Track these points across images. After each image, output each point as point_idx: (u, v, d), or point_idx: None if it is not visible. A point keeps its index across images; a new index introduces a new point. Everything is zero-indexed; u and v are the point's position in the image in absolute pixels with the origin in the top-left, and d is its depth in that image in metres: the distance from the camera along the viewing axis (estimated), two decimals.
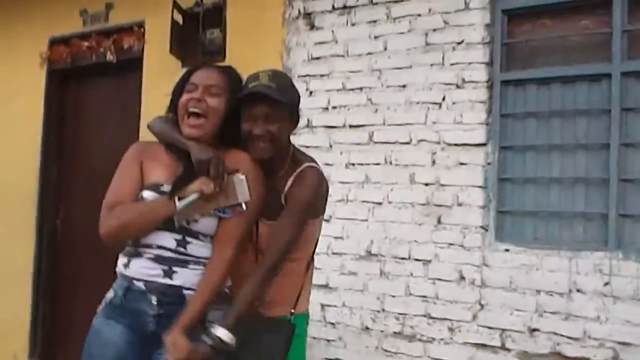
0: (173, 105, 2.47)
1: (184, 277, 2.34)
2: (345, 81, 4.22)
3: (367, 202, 4.05)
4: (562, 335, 3.43)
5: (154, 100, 5.06)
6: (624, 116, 3.51)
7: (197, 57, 4.75)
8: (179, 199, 2.27)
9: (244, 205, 2.30)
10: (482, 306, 3.65)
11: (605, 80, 3.57)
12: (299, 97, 2.56)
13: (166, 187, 2.34)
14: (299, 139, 4.33)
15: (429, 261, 3.81)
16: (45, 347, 5.66)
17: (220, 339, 2.19)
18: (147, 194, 2.36)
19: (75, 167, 5.73)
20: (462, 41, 3.86)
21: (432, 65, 3.94)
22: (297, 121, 2.52)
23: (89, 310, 5.22)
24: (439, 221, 3.81)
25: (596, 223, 3.54)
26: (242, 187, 2.30)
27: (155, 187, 2.37)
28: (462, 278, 3.72)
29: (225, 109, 2.39)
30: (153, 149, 2.48)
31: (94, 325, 2.42)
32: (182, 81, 2.47)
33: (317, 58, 4.36)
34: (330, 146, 4.23)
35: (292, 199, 2.38)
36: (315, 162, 2.53)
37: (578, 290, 3.42)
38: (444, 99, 3.89)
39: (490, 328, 3.62)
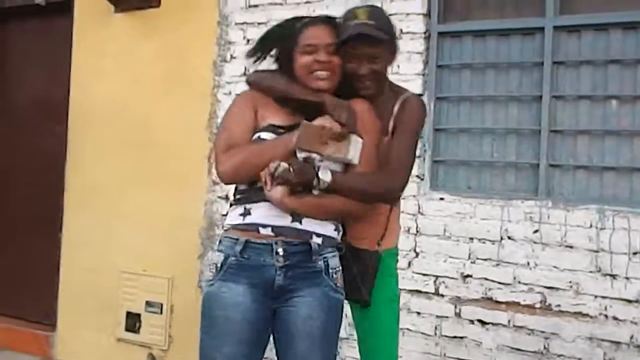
0: (284, 60, 2.40)
1: (312, 222, 2.29)
2: None
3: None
4: (493, 281, 3.56)
5: (85, 46, 4.93)
6: (555, 69, 3.61)
7: (131, 1, 4.62)
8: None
9: (353, 162, 2.31)
10: (417, 254, 3.75)
11: (539, 34, 3.65)
12: (394, 27, 2.51)
13: (284, 130, 2.32)
14: (235, 87, 4.30)
15: None
16: None
17: (318, 174, 2.22)
18: (265, 135, 2.31)
19: (2, 112, 5.52)
20: None
21: None
22: (395, 52, 2.50)
23: (19, 254, 5.21)
24: None
25: (527, 173, 3.65)
26: (357, 148, 2.29)
27: (272, 128, 2.32)
28: None
29: (341, 66, 2.37)
30: (265, 99, 2.40)
31: (210, 291, 2.29)
32: (290, 35, 2.38)
33: (255, 6, 4.29)
34: None
35: (405, 121, 2.41)
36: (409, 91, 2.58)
37: (509, 238, 3.55)
38: None
39: (424, 275, 3.72)
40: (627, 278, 3.28)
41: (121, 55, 4.78)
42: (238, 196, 2.36)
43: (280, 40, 2.42)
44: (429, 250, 3.72)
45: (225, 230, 2.35)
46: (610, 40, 3.51)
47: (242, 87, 4.20)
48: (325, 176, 2.22)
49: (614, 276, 3.31)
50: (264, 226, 2.26)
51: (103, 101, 4.83)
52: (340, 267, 2.37)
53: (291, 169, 2.18)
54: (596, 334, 3.32)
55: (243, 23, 4.33)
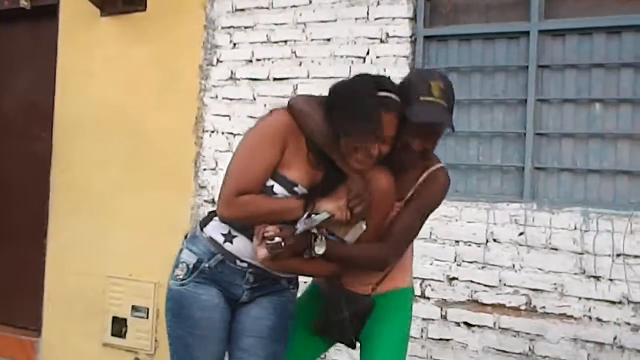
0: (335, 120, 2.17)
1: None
2: (269, 34, 4.19)
3: None
4: (479, 283, 3.58)
5: (71, 50, 4.92)
6: (540, 73, 3.63)
7: (117, 5, 4.62)
8: (309, 214, 2.19)
9: (347, 244, 2.30)
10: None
11: (524, 38, 3.68)
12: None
13: (299, 189, 2.23)
14: (222, 91, 4.30)
15: None
16: None
17: (314, 244, 2.21)
18: (279, 189, 2.22)
19: None
20: None
21: (356, 19, 3.96)
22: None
23: (3, 259, 5.16)
24: None
25: (512, 175, 3.68)
26: (356, 233, 2.27)
27: (288, 185, 2.23)
28: None
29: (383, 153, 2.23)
30: (298, 135, 2.23)
31: (183, 293, 2.33)
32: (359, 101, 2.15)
33: (242, 10, 4.30)
34: (254, 99, 4.21)
35: (423, 196, 2.36)
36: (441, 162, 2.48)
37: (494, 240, 3.56)
38: (367, 53, 3.93)
39: None
40: (610, 280, 3.30)
41: (107, 59, 4.77)
42: None
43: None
44: (415, 253, 3.67)
45: (204, 235, 2.35)
46: (594, 45, 3.54)
47: (228, 91, 4.25)
48: (319, 250, 2.21)
49: (598, 278, 3.33)
50: (242, 260, 2.31)
51: (89, 105, 4.81)
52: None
53: (283, 243, 2.16)
54: (580, 335, 3.35)
55: (229, 27, 4.33)
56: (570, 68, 3.59)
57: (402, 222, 2.32)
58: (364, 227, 2.27)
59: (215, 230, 2.33)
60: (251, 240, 2.27)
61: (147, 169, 4.56)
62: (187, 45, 4.48)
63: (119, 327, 4.62)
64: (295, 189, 2.24)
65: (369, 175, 2.24)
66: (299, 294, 2.54)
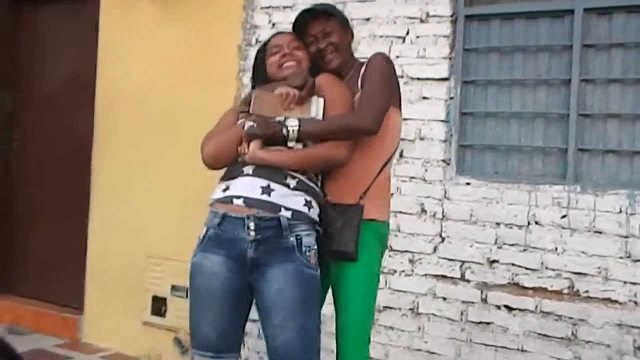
0: (260, 76, 2.75)
1: (280, 196, 2.41)
2: None
3: None
4: (520, 267, 3.53)
5: (112, 29, 4.95)
6: (584, 53, 3.55)
7: None
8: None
9: (317, 118, 2.49)
10: (442, 239, 3.72)
11: (568, 16, 3.59)
12: (342, 12, 2.80)
13: None
14: None
15: (391, 194, 3.83)
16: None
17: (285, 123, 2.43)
18: (240, 121, 2.60)
19: (31, 95, 5.57)
20: None
21: None
22: (352, 32, 2.77)
23: (47, 237, 5.24)
24: (401, 155, 3.83)
25: (555, 157, 3.61)
26: (318, 106, 2.49)
27: (245, 114, 2.60)
28: (424, 211, 3.78)
29: (308, 58, 2.68)
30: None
31: (193, 262, 2.50)
32: (260, 54, 2.77)
33: None
34: None
35: (369, 72, 2.57)
36: None
37: (536, 223, 3.51)
38: (407, 33, 3.87)
39: (450, 260, 3.69)
40: None
41: (147, 38, 4.79)
42: (223, 173, 2.58)
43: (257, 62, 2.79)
44: (455, 235, 3.69)
45: (210, 204, 2.52)
46: None
47: None
48: (292, 122, 2.41)
49: None
50: (238, 197, 2.42)
51: (129, 85, 4.85)
52: (316, 246, 2.47)
53: (255, 125, 2.45)
54: (625, 320, 3.28)
55: (269, 7, 4.31)
56: (616, 47, 3.50)
57: (365, 93, 2.53)
58: (322, 99, 2.50)
59: (216, 192, 2.52)
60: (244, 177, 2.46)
61: (187, 148, 4.51)
62: (226, 25, 4.48)
63: (158, 306, 4.68)
64: None
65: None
66: None
